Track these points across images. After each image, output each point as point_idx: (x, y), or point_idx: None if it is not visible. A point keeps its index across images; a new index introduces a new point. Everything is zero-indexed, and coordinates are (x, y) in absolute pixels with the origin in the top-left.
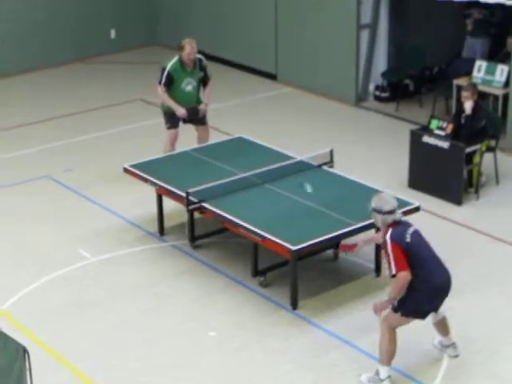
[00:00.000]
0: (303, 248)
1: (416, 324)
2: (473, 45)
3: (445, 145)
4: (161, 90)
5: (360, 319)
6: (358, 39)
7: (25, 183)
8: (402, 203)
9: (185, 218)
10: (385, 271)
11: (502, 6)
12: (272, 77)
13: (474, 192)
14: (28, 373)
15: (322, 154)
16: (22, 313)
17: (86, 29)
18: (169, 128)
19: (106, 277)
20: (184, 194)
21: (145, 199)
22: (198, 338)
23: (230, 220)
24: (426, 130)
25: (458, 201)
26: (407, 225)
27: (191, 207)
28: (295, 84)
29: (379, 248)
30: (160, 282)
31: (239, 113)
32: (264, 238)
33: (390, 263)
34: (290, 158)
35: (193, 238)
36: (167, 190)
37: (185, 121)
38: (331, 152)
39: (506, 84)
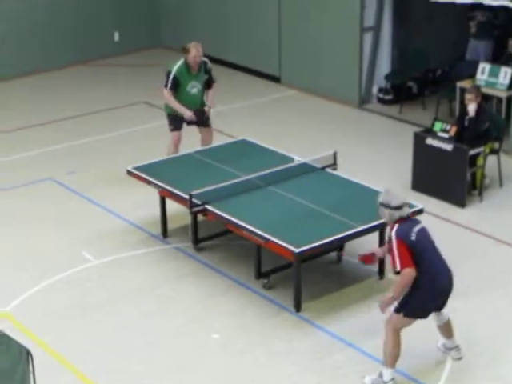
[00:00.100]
0: (306, 250)
1: (420, 327)
2: (476, 47)
3: (448, 147)
4: (167, 93)
5: (363, 321)
6: (361, 42)
7: (27, 186)
8: None
9: (188, 220)
10: (388, 274)
11: (505, 9)
12: (275, 79)
13: (478, 194)
14: (31, 375)
15: (325, 156)
16: (24, 315)
17: (90, 31)
18: (172, 130)
19: (108, 279)
20: (187, 197)
21: (148, 201)
22: (201, 340)
23: (234, 222)
24: (430, 132)
25: (461, 203)
26: (414, 222)
27: (194, 209)
28: (299, 86)
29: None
30: (163, 285)
31: (243, 115)
32: (267, 240)
33: (394, 259)
34: (293, 160)
35: (196, 241)
36: (171, 192)
37: (188, 123)
38: (335, 154)
39: (510, 86)
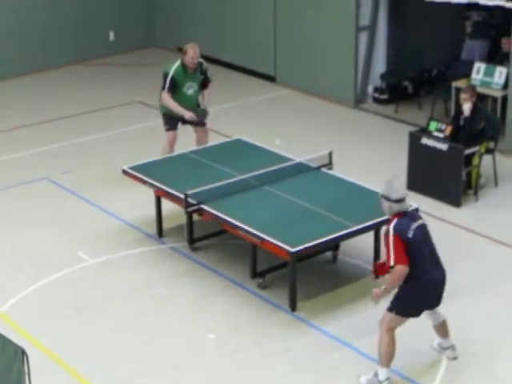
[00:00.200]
0: (302, 250)
1: (415, 326)
2: (472, 47)
3: (444, 147)
4: (166, 96)
5: (359, 321)
6: (356, 41)
7: (23, 185)
8: None
9: (183, 219)
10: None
11: (501, 8)
12: (271, 79)
13: (473, 194)
14: (27, 375)
15: (320, 155)
16: (20, 315)
17: (85, 31)
18: (167, 130)
19: (104, 279)
20: (183, 196)
21: (144, 201)
22: (197, 340)
23: (229, 222)
24: (425, 131)
25: (456, 203)
26: (414, 217)
27: (190, 209)
28: (294, 86)
29: (378, 250)
30: (158, 284)
31: (238, 115)
32: (263, 239)
33: (389, 254)
34: (288, 159)
35: (191, 240)
36: (166, 191)
37: (183, 122)
38: (330, 154)
39: (505, 86)
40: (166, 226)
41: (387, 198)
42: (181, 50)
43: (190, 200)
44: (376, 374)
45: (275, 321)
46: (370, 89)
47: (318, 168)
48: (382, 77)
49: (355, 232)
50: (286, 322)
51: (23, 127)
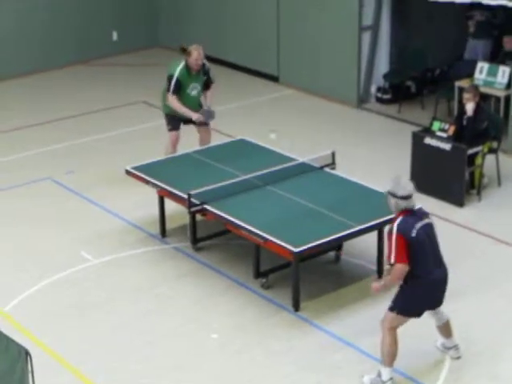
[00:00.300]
0: (305, 250)
1: (418, 326)
2: (475, 46)
3: (447, 146)
4: (173, 98)
5: (362, 321)
6: (359, 41)
7: (26, 185)
8: None
9: (187, 220)
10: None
11: (504, 8)
12: (274, 79)
13: (476, 194)
14: (30, 375)
15: (323, 155)
16: (23, 315)
17: (88, 31)
18: (170, 130)
19: (107, 279)
20: (186, 196)
21: (147, 201)
22: (200, 340)
23: (232, 222)
24: (428, 131)
25: (459, 202)
26: (420, 216)
27: (193, 209)
28: (297, 86)
29: (381, 250)
30: (161, 284)
31: (241, 115)
32: (266, 239)
33: (390, 252)
34: (291, 159)
35: (195, 240)
36: (169, 191)
37: (185, 122)
38: (333, 154)
39: (508, 85)
40: (169, 226)
41: (394, 195)
42: (184, 51)
43: (193, 200)
44: (379, 374)
45: (278, 321)
46: (373, 88)
47: (321, 168)
48: (385, 76)
49: (358, 232)
50: (289, 322)
51: (26, 127)
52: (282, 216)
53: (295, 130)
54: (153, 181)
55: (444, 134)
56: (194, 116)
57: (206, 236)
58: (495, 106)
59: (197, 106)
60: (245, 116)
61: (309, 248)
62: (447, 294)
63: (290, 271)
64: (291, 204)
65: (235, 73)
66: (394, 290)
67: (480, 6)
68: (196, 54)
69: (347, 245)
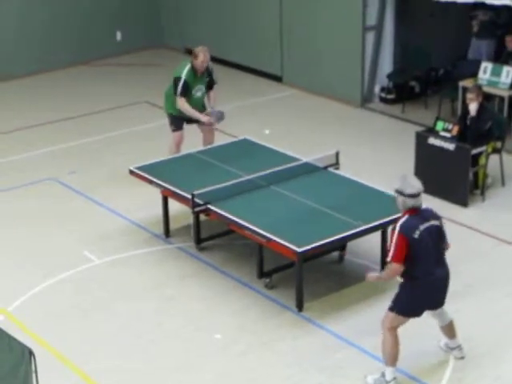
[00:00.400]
0: (309, 250)
1: (422, 326)
2: (478, 46)
3: (450, 146)
4: (182, 101)
5: (365, 321)
6: (363, 41)
7: (29, 186)
8: None
9: (190, 220)
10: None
11: (507, 8)
12: (277, 79)
13: (480, 194)
14: (34, 375)
15: (327, 155)
16: (27, 315)
17: (92, 31)
18: (174, 130)
19: (111, 279)
20: (190, 196)
21: (150, 201)
22: (203, 340)
23: (236, 222)
24: (432, 131)
25: (463, 202)
26: (426, 217)
27: (197, 209)
28: (301, 86)
29: (385, 250)
30: (165, 284)
31: (245, 115)
32: (269, 239)
33: (389, 249)
34: (295, 159)
35: (198, 240)
36: (173, 192)
37: (188, 121)
38: (337, 154)
39: None
40: (172, 226)
41: (401, 193)
42: (190, 53)
43: (196, 200)
44: (383, 374)
45: (282, 321)
46: (377, 88)
47: (325, 168)
48: (389, 76)
49: (362, 232)
50: (293, 322)
51: (28, 128)
52: (285, 216)
53: (299, 129)
54: (156, 181)
55: (448, 134)
56: (204, 118)
57: (210, 236)
58: (499, 106)
59: (201, 106)
60: (248, 116)
61: (312, 248)
62: (450, 293)
63: (294, 271)
64: (295, 204)
65: (238, 73)
66: (396, 290)
67: (483, 5)
68: (202, 57)
69: (351, 245)
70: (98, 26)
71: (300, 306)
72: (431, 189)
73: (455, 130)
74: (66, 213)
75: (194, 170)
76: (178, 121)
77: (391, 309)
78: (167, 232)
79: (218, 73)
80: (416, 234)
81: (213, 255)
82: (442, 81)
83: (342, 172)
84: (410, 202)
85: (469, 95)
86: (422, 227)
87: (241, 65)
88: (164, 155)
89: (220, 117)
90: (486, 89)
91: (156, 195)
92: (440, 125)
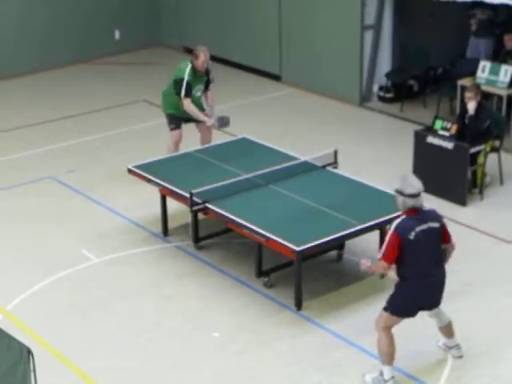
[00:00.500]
0: (307, 249)
1: (420, 326)
2: (477, 45)
3: (449, 145)
4: (187, 102)
5: (364, 320)
6: (362, 40)
7: (27, 185)
8: None
9: (189, 218)
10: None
11: (506, 7)
12: (276, 78)
13: (479, 192)
14: (32, 374)
15: (325, 154)
16: (26, 314)
17: (90, 30)
18: (173, 129)
19: (109, 278)
20: (188, 195)
21: (149, 200)
22: (202, 338)
23: (234, 221)
24: (431, 130)
25: (462, 201)
26: (423, 219)
27: (195, 208)
28: (299, 85)
29: None
30: (163, 283)
31: (243, 114)
32: (268, 238)
33: (382, 246)
34: (294, 158)
35: (197, 239)
36: (171, 190)
37: (186, 120)
38: (335, 153)
39: (510, 84)
40: (171, 224)
41: (401, 193)
42: (190, 52)
43: (195, 199)
44: (381, 373)
45: (280, 319)
46: (376, 87)
47: (324, 167)
48: (388, 75)
49: (360, 231)
50: (292, 321)
51: (28, 127)
52: (284, 215)
53: (297, 128)
54: (155, 179)
55: (446, 133)
56: (208, 122)
57: (208, 235)
58: (497, 105)
59: (200, 106)
60: (247, 115)
61: (311, 247)
62: (448, 292)
63: (292, 270)
64: (293, 203)
65: (237, 72)
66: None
67: (482, 4)
68: (203, 57)
69: (349, 244)
70: (96, 25)
71: (299, 305)
72: (430, 188)
73: (454, 128)
74: (65, 211)
75: (193, 168)
76: (177, 120)
77: (385, 308)
78: (165, 231)
79: (216, 72)
80: (411, 236)
81: (211, 254)
82: (440, 80)
83: (340, 171)
84: (410, 202)
85: (467, 94)
86: (418, 229)
87: (239, 64)
88: (162, 154)
89: (225, 122)
90: (484, 87)
91: (154, 194)
92: (438, 124)
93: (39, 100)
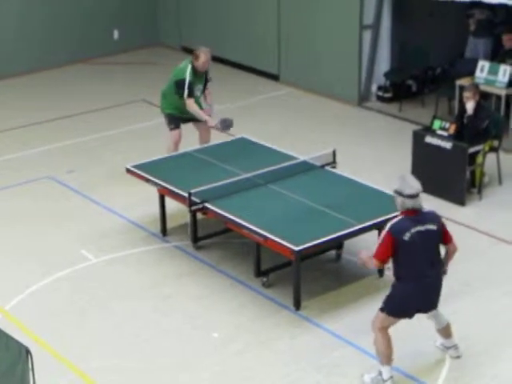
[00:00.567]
0: (306, 248)
1: (419, 326)
2: (475, 45)
3: (447, 145)
4: (191, 103)
5: (363, 319)
6: (360, 40)
7: (26, 184)
8: None
9: (187, 218)
10: (387, 272)
11: (504, 6)
12: (274, 78)
13: (477, 192)
14: (31, 373)
15: (324, 154)
16: (24, 314)
17: (89, 30)
18: (172, 129)
19: (108, 278)
20: (187, 195)
21: (147, 200)
22: (201, 338)
23: (233, 220)
24: (429, 130)
25: (460, 201)
26: (420, 220)
27: (194, 208)
28: (297, 85)
29: None
30: (162, 283)
31: (242, 114)
32: (267, 238)
33: (376, 244)
34: (292, 158)
35: (195, 239)
36: (170, 190)
37: (184, 121)
38: (334, 152)
39: (509, 84)
40: (169, 224)
41: (400, 193)
42: (187, 51)
43: (193, 198)
44: (380, 373)
45: (279, 319)
46: (374, 87)
47: (322, 166)
48: (386, 75)
49: (359, 230)
50: (290, 321)
51: (27, 126)
52: (282, 214)
53: (296, 128)
54: (153, 179)
55: (445, 133)
56: (211, 122)
57: (207, 235)
58: (496, 105)
59: (199, 105)
60: (245, 115)
61: (309, 246)
62: (447, 292)
63: (291, 270)
64: (292, 202)
65: (236, 71)
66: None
67: (480, 4)
68: (205, 58)
69: (348, 243)
70: (95, 25)
71: (297, 305)
72: (428, 188)
73: (452, 128)
74: (63, 211)
75: (191, 168)
76: (176, 120)
77: (382, 309)
78: (164, 230)
79: (214, 72)
80: (406, 236)
81: (210, 254)
82: (439, 79)
83: (339, 171)
84: (409, 203)
85: (465, 94)
86: (413, 230)
87: (238, 63)
88: (161, 154)
89: (228, 124)
90: (483, 87)
91: (153, 194)
92: (437, 123)
93: (37, 100)
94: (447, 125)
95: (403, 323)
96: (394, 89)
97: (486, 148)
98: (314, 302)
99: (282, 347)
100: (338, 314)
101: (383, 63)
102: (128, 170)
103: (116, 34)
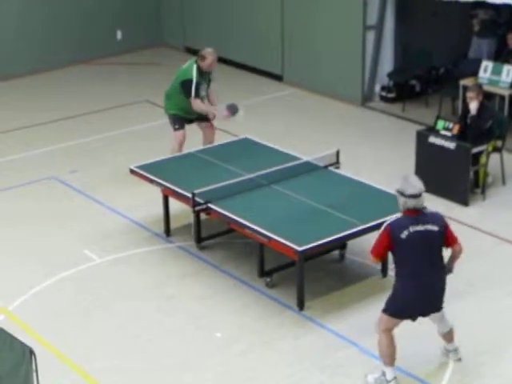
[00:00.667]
0: (309, 249)
1: (423, 327)
2: (479, 45)
3: (451, 145)
4: (197, 102)
5: (366, 320)
6: (364, 40)
7: (30, 185)
8: None
9: (191, 218)
10: (390, 272)
11: (508, 6)
12: (278, 78)
13: (481, 192)
14: (34, 374)
15: (328, 154)
16: (28, 314)
17: (92, 30)
18: (177, 129)
19: (111, 278)
20: (190, 195)
21: (151, 200)
22: (204, 339)
23: (236, 221)
24: (433, 130)
25: (464, 201)
26: (421, 221)
27: (197, 208)
28: (301, 85)
29: None
30: (166, 283)
31: (245, 114)
32: (270, 238)
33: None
34: (296, 158)
35: (199, 239)
36: (173, 190)
37: (188, 121)
38: (337, 153)
39: None
40: (173, 224)
41: (402, 193)
42: (191, 52)
43: (197, 199)
44: (384, 373)
45: (283, 320)
46: (378, 87)
47: (326, 167)
48: (390, 75)
49: (362, 231)
50: (294, 321)
51: (30, 127)
52: (286, 215)
53: (299, 128)
54: (157, 180)
55: (448, 133)
56: (220, 114)
57: (210, 235)
58: (500, 105)
59: None
60: (249, 115)
61: (313, 247)
62: (451, 292)
63: (295, 270)
64: (295, 203)
65: (239, 72)
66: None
67: (484, 4)
68: (211, 59)
69: (351, 243)
70: (98, 25)
71: (301, 305)
72: (432, 188)
73: (456, 128)
74: (67, 212)
75: (195, 169)
76: (181, 120)
77: (384, 310)
78: (168, 231)
79: (218, 72)
80: (403, 235)
81: (213, 254)
82: (442, 80)
83: (342, 171)
84: (412, 203)
85: (469, 94)
86: (412, 229)
87: (241, 63)
88: (165, 154)
89: (234, 110)
90: (486, 88)
91: (156, 194)
92: (440, 124)
93: (40, 101)
94: (451, 125)
95: (407, 324)
96: (398, 89)
97: (490, 148)
98: (317, 303)
99: (286, 347)
100: (341, 315)
101: (387, 63)
102: (132, 171)
103: (119, 35)
